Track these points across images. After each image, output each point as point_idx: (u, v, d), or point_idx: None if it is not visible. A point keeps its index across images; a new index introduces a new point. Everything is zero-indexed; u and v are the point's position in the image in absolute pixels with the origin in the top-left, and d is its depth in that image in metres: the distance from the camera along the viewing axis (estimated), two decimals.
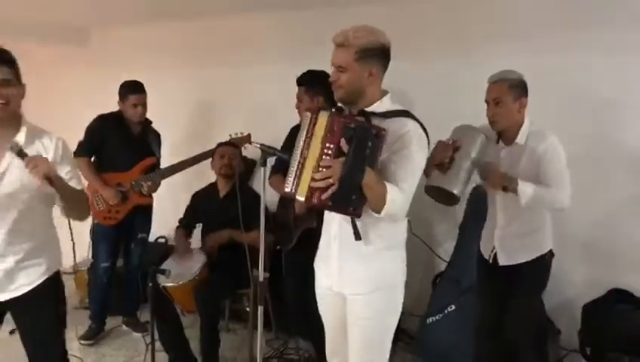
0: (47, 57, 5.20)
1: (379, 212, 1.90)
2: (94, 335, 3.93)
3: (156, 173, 3.81)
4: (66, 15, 4.62)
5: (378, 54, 1.99)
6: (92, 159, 3.81)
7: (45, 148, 2.21)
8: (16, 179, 2.14)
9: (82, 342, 3.86)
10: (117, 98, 3.82)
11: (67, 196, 2.17)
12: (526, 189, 2.44)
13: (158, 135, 4.00)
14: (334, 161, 1.85)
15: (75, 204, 2.25)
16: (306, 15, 3.99)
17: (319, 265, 2.25)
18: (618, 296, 3.10)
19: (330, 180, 1.83)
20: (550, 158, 2.47)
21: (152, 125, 3.98)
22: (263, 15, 4.15)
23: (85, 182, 2.53)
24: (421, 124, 2.02)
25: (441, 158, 2.44)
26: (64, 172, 2.22)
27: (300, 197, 1.89)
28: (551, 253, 2.65)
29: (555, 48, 3.23)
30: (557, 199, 2.46)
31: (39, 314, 2.27)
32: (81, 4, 4.19)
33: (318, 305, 2.29)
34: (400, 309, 2.17)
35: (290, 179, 1.92)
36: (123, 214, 3.81)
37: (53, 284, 2.30)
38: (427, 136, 2.04)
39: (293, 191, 1.91)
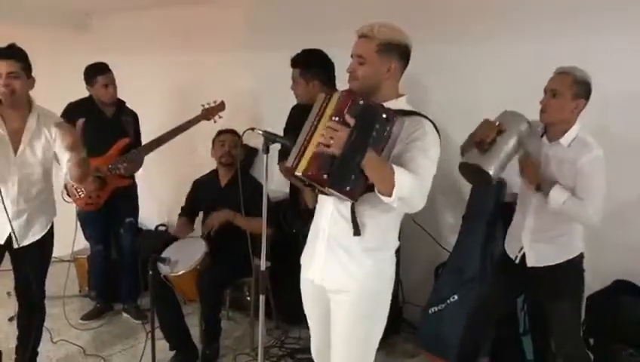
0: (47, 41, 5.16)
1: (389, 195, 1.80)
2: (97, 314, 3.97)
3: (132, 154, 3.76)
4: (67, 0, 4.57)
5: (399, 52, 1.97)
6: None
7: (52, 136, 2.75)
8: (37, 151, 2.74)
9: (82, 320, 3.89)
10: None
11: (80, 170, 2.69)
12: (558, 198, 2.39)
13: (134, 114, 3.95)
14: (340, 127, 1.81)
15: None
16: (287, 2, 3.99)
17: (305, 257, 2.20)
18: (623, 287, 3.07)
19: (332, 148, 1.79)
20: (589, 173, 2.38)
21: (127, 105, 3.93)
22: (247, 2, 4.18)
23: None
24: (435, 126, 1.98)
25: (483, 136, 2.37)
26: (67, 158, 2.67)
27: (299, 172, 1.85)
28: (581, 256, 2.59)
29: (568, 36, 3.17)
30: (584, 215, 2.39)
31: (42, 256, 2.93)
32: None
33: (302, 298, 2.25)
34: (385, 317, 2.10)
35: (293, 155, 1.90)
36: (104, 198, 3.78)
37: (51, 233, 2.96)
38: (439, 137, 1.99)
39: (293, 166, 1.88)
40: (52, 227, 2.96)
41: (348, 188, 1.83)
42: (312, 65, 3.03)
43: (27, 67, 2.69)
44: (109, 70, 3.77)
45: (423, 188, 1.87)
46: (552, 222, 2.51)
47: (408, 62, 2.02)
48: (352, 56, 2.00)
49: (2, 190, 2.67)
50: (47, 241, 2.93)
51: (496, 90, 3.07)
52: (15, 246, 2.79)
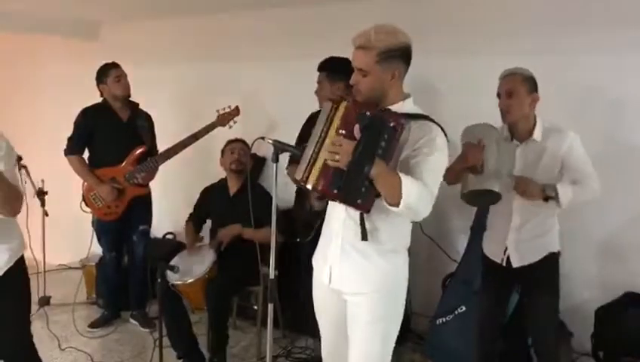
0: (57, 50, 5.23)
1: (397, 205, 1.81)
2: (104, 322, 3.99)
3: (149, 162, 3.77)
4: (77, 10, 4.62)
5: (400, 55, 1.93)
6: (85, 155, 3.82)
7: None
8: None
9: (90, 329, 3.90)
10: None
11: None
12: (567, 193, 2.45)
13: (148, 117, 3.96)
14: (346, 142, 1.80)
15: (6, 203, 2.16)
16: (303, 12, 4.03)
17: (318, 261, 2.19)
18: (632, 300, 3.05)
19: (339, 163, 1.79)
20: (576, 154, 2.51)
21: (140, 107, 3.94)
22: (263, 12, 4.19)
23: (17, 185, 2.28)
24: (442, 129, 1.97)
25: (476, 161, 2.39)
26: None
27: (309, 185, 1.86)
28: (559, 253, 2.66)
29: (569, 47, 3.19)
30: (592, 191, 2.51)
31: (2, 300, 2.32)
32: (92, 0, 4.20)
33: (314, 303, 2.24)
34: (401, 316, 2.12)
35: (303, 166, 1.89)
36: (122, 208, 3.81)
37: (14, 273, 2.33)
38: (447, 141, 1.99)
39: (304, 179, 1.88)
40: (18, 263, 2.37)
41: (359, 201, 1.84)
42: (338, 70, 3.06)
43: None
44: (119, 66, 3.79)
45: (430, 196, 1.87)
46: (538, 218, 2.59)
47: (411, 59, 1.98)
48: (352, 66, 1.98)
49: None
50: (10, 279, 2.33)
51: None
52: None
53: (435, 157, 1.90)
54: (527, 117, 2.55)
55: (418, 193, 1.82)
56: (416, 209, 1.84)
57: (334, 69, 3.12)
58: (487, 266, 2.78)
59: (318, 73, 3.26)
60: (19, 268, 2.37)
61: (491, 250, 2.75)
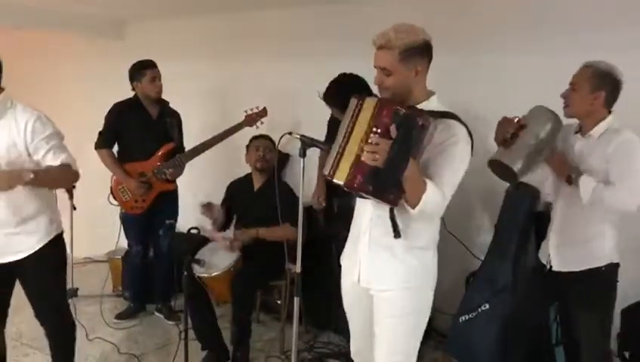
0: (82, 48, 5.31)
1: (413, 207, 1.87)
2: (130, 314, 4.06)
3: (177, 159, 3.83)
4: (103, 8, 4.70)
5: (421, 52, 1.96)
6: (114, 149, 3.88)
7: (18, 128, 2.37)
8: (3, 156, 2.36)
9: (116, 319, 3.98)
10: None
11: (45, 183, 2.45)
12: (587, 184, 2.32)
13: (177, 115, 4.01)
14: (383, 140, 1.79)
15: (57, 183, 2.54)
16: (328, 10, 4.04)
17: (347, 258, 2.22)
18: None
19: (377, 161, 1.79)
20: (620, 155, 2.33)
21: (170, 105, 3.98)
22: (289, 10, 4.22)
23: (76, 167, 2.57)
24: (467, 128, 1.99)
25: (502, 134, 2.36)
26: (40, 154, 2.41)
27: (339, 181, 1.87)
28: (612, 266, 2.49)
29: (601, 46, 3.15)
30: (618, 199, 2.30)
31: (40, 276, 2.58)
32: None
33: (343, 300, 2.27)
34: (429, 311, 2.14)
35: (330, 162, 1.92)
36: (149, 202, 3.87)
37: (52, 248, 2.58)
38: (472, 141, 2.00)
39: (331, 174, 1.90)
40: (55, 243, 2.62)
41: (391, 196, 1.87)
42: (343, 97, 3.02)
43: None
44: (156, 65, 3.84)
45: (444, 202, 1.93)
46: (579, 222, 2.47)
47: (432, 54, 2.00)
48: (375, 67, 2.00)
49: None
50: (43, 259, 2.57)
51: (537, 99, 3.07)
52: None
53: (456, 163, 1.94)
54: (590, 113, 2.41)
55: (436, 203, 1.89)
56: (430, 214, 1.94)
57: (340, 100, 3.04)
58: (537, 270, 2.72)
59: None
60: (60, 241, 2.64)
61: (542, 251, 2.70)
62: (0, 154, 2.36)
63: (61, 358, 2.80)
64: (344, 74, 3.30)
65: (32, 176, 2.30)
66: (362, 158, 1.82)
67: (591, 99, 2.39)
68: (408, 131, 1.81)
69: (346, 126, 1.93)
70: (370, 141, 1.82)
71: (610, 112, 2.43)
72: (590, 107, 2.40)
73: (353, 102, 1.97)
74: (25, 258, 2.53)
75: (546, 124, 2.37)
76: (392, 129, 1.81)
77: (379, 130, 1.83)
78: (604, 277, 2.51)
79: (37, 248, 2.54)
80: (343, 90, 2.98)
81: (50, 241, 2.58)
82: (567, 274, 2.53)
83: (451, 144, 1.92)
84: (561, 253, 2.55)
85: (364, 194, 1.92)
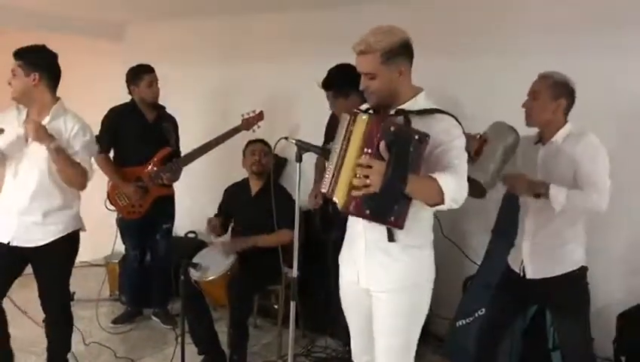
0: (83, 50, 5.31)
1: (441, 202, 1.85)
2: (127, 318, 4.04)
3: (174, 163, 3.83)
4: (103, 11, 4.71)
5: (402, 52, 1.97)
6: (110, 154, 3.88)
7: (65, 129, 2.77)
8: (38, 147, 2.68)
9: (113, 324, 3.96)
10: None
11: (58, 161, 2.66)
12: (558, 194, 2.32)
13: (173, 120, 4.01)
14: (376, 162, 1.75)
15: (67, 170, 2.69)
16: (326, 14, 4.06)
17: (344, 259, 2.23)
18: None
19: (371, 188, 1.75)
20: (586, 159, 2.36)
21: (166, 110, 3.99)
22: (287, 14, 4.24)
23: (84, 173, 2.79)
24: (456, 118, 2.01)
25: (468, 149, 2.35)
26: (73, 150, 2.74)
27: (337, 201, 1.86)
28: (582, 269, 2.52)
29: (592, 49, 3.17)
30: (590, 202, 2.33)
31: (52, 264, 2.83)
32: (117, 1, 4.27)
33: (342, 301, 2.27)
34: (427, 310, 2.15)
35: (327, 179, 1.92)
36: (146, 207, 3.87)
37: (67, 241, 2.84)
38: (462, 128, 2.02)
39: (329, 192, 1.90)
40: (71, 238, 2.87)
41: (392, 218, 1.84)
42: (344, 83, 3.04)
43: (24, 63, 2.71)
44: (154, 70, 3.85)
45: (463, 180, 1.92)
46: (553, 227, 2.47)
47: (413, 52, 2.00)
48: (358, 72, 2.00)
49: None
50: (57, 251, 2.82)
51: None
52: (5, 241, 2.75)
53: (457, 144, 1.95)
54: (550, 122, 2.47)
55: (455, 184, 1.87)
56: (459, 197, 1.89)
57: (340, 84, 3.10)
58: (506, 275, 2.69)
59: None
60: (77, 236, 2.89)
61: (511, 257, 2.67)
62: None
63: (58, 346, 3.00)
64: (343, 63, 3.29)
65: (57, 142, 2.64)
66: (355, 183, 1.78)
67: (553, 107, 2.45)
68: (403, 148, 1.76)
69: (340, 143, 1.91)
70: (361, 163, 1.77)
71: (566, 121, 2.49)
72: (552, 115, 2.46)
73: (345, 117, 1.95)
74: (42, 245, 2.76)
75: (507, 138, 2.42)
76: (382, 148, 1.76)
77: (369, 151, 1.79)
78: (579, 281, 2.53)
79: (56, 238, 2.78)
80: (343, 76, 3.01)
81: (68, 234, 2.83)
82: (542, 280, 2.52)
83: (447, 130, 1.95)
84: (534, 262, 2.54)
85: (362, 219, 1.92)
